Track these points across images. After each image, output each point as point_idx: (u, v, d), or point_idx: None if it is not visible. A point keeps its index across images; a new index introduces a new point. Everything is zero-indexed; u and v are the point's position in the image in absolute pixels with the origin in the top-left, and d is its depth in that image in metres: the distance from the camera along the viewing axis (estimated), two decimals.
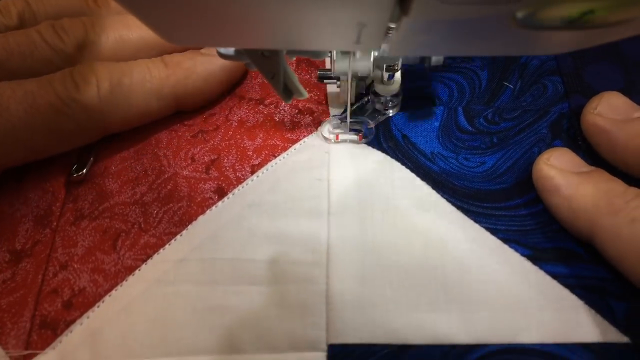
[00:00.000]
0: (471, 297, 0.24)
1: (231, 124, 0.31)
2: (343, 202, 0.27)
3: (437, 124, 0.30)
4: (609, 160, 0.26)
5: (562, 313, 0.24)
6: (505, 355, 0.23)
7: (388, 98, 0.29)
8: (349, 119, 0.29)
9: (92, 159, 0.29)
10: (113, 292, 0.25)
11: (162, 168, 0.29)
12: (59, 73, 0.27)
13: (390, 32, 0.14)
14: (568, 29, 0.13)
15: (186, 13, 0.13)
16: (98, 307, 0.25)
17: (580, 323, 0.23)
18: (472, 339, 0.23)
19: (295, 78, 0.23)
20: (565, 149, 0.26)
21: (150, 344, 0.24)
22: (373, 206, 0.27)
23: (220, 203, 0.28)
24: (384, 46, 0.23)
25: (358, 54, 0.26)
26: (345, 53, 0.26)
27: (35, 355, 0.24)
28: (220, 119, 0.31)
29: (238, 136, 0.30)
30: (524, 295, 0.24)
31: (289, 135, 0.30)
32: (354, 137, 0.29)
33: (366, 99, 0.31)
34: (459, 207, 0.27)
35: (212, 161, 0.29)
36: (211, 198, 0.28)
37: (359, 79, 0.29)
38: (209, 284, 0.25)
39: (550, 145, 0.29)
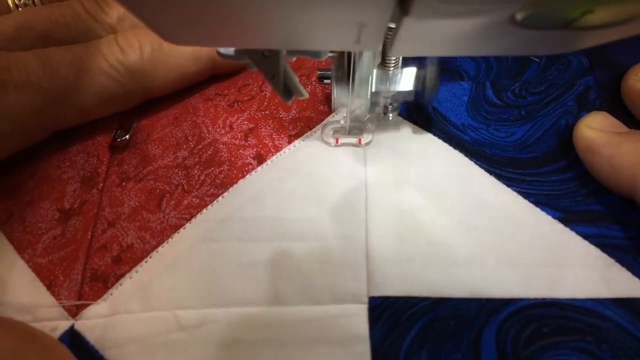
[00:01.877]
0: (506, 254, 0.25)
1: (265, 94, 0.32)
2: (379, 168, 0.28)
3: (465, 98, 0.31)
4: None
5: (594, 270, 0.25)
6: (539, 309, 0.24)
7: (389, 101, 0.30)
8: (348, 123, 0.30)
9: (134, 125, 0.30)
10: (160, 248, 0.26)
11: (202, 134, 0.30)
12: (104, 39, 0.29)
13: (390, 32, 0.15)
14: (568, 29, 0.13)
15: (186, 13, 0.13)
16: (146, 262, 0.26)
17: (611, 279, 0.24)
18: (507, 293, 0.24)
19: (295, 78, 0.23)
20: (604, 112, 0.27)
21: (198, 296, 0.25)
22: (408, 171, 0.28)
23: (259, 168, 0.29)
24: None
25: (357, 83, 0.27)
26: (345, 86, 0.27)
27: (87, 305, 0.25)
28: (254, 89, 0.32)
29: (273, 107, 0.31)
30: (556, 254, 0.25)
31: (321, 107, 0.31)
32: (354, 140, 0.30)
33: None
34: (491, 173, 0.28)
35: (250, 130, 0.30)
36: (251, 164, 0.29)
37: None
38: (252, 241, 0.26)
39: (577, 117, 0.30)
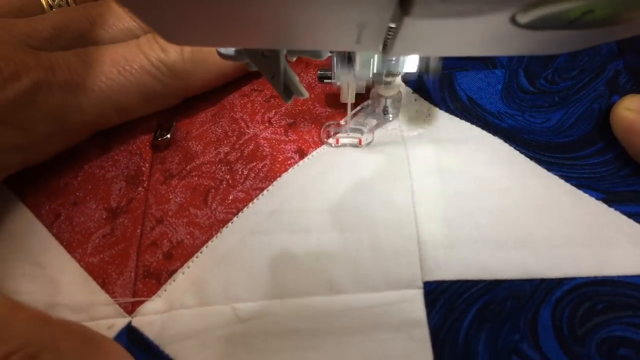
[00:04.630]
0: (555, 236, 0.26)
1: None
2: (421, 156, 0.28)
3: (499, 86, 0.32)
4: None
5: None
6: (592, 287, 0.24)
7: (389, 102, 0.30)
8: (349, 123, 0.30)
9: (174, 123, 0.30)
10: (210, 243, 0.26)
11: (242, 130, 0.30)
12: (144, 38, 0.29)
13: (391, 32, 0.14)
14: (568, 28, 0.13)
15: (187, 13, 0.13)
16: (197, 257, 0.26)
17: None
18: (559, 273, 0.25)
19: (295, 78, 0.23)
20: (639, 95, 0.28)
21: (254, 288, 0.25)
22: (450, 157, 0.28)
23: (301, 162, 0.29)
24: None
25: (358, 64, 0.26)
26: (346, 61, 0.26)
27: (142, 302, 0.25)
28: None
29: (309, 102, 0.31)
30: (603, 233, 0.26)
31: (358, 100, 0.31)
32: (354, 140, 0.30)
33: (366, 103, 0.31)
34: (531, 158, 0.28)
35: (289, 125, 0.30)
36: (292, 157, 0.29)
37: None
38: (302, 232, 0.26)
39: (609, 100, 0.30)
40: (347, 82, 0.28)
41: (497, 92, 0.31)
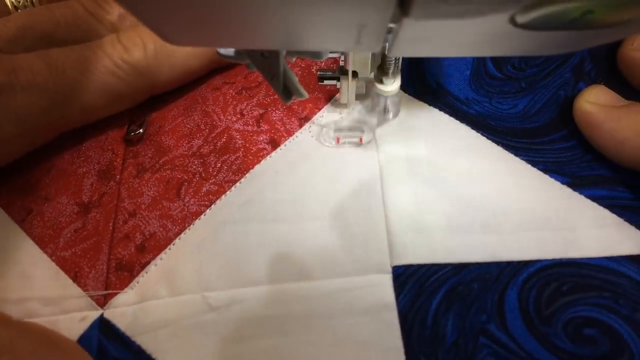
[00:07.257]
0: (519, 220, 0.26)
1: None
2: (390, 143, 0.29)
3: (468, 72, 0.32)
4: None
5: (605, 230, 0.26)
6: (557, 269, 0.25)
7: (389, 101, 0.30)
8: (349, 122, 0.30)
9: (147, 118, 0.31)
10: (182, 235, 0.27)
11: (214, 123, 0.30)
12: (107, 38, 0.29)
13: (391, 32, 0.14)
14: (568, 29, 0.13)
15: (186, 14, 0.13)
16: (169, 249, 0.26)
17: (623, 238, 0.25)
18: (525, 256, 0.25)
19: (295, 78, 0.23)
20: (601, 86, 0.28)
21: (225, 277, 0.25)
22: (418, 145, 0.29)
23: (274, 153, 0.29)
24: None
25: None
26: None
27: (114, 295, 0.25)
28: (261, 75, 0.32)
29: None
30: (568, 217, 0.26)
31: (328, 87, 0.31)
32: (355, 139, 0.30)
33: (367, 102, 0.31)
34: (498, 143, 0.29)
35: (261, 115, 0.31)
36: (265, 149, 0.29)
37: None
38: (273, 222, 0.27)
39: (574, 87, 0.31)
40: (347, 83, 0.28)
41: (466, 78, 0.32)
